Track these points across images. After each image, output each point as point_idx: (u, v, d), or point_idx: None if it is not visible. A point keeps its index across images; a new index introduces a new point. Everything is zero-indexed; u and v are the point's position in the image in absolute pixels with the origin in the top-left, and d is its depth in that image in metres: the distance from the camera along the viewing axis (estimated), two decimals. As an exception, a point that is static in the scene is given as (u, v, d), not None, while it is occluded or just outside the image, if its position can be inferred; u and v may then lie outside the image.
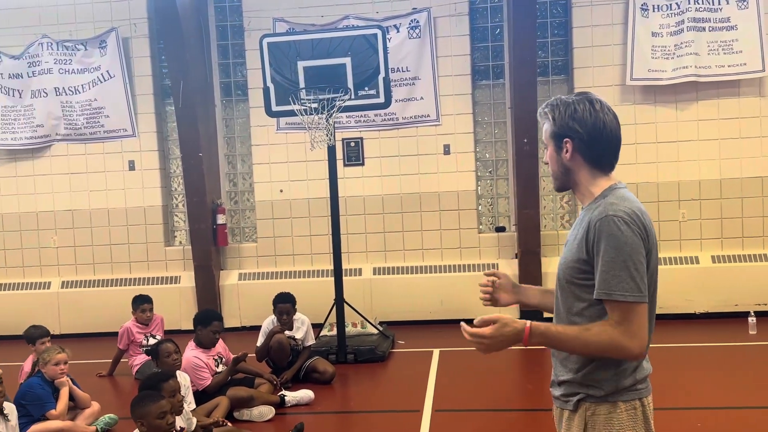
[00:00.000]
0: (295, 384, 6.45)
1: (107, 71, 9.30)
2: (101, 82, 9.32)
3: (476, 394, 6.13)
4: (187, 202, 9.21)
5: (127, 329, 7.26)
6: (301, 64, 7.16)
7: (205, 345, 5.92)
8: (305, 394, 6.05)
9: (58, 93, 9.35)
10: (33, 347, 6.10)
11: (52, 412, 5.18)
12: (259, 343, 6.64)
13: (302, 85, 7.10)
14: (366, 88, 7.17)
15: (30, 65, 9.35)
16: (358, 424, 5.76)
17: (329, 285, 7.70)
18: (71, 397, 5.45)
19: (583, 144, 2.27)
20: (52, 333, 9.13)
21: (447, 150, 9.17)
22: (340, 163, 9.10)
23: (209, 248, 9.18)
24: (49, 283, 9.56)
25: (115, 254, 9.56)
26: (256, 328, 6.98)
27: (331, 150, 7.24)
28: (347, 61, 7.13)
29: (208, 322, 5.91)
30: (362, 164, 9.24)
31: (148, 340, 7.27)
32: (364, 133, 9.23)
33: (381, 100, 7.22)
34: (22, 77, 9.38)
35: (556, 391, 2.36)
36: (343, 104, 6.95)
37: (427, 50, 9.02)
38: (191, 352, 5.80)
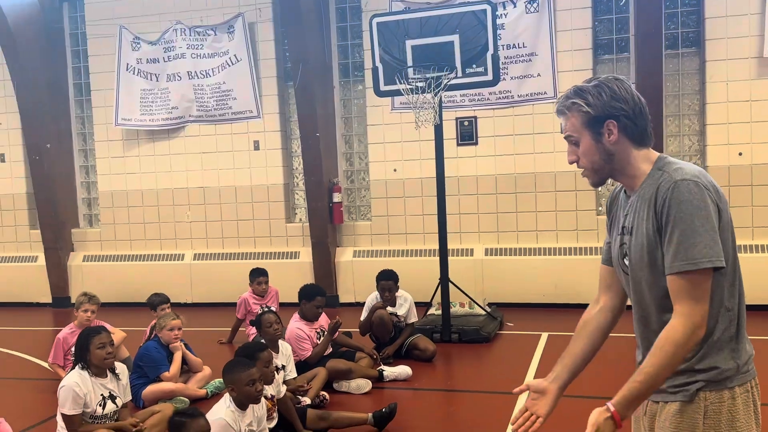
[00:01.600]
0: (396, 360, 6.55)
1: (234, 55, 9.78)
2: (229, 66, 9.82)
3: (579, 380, 5.93)
4: (306, 181, 9.55)
5: (245, 300, 7.67)
6: (409, 43, 7.16)
7: (309, 318, 6.14)
8: (403, 370, 6.14)
9: (190, 77, 9.96)
10: (154, 313, 6.60)
11: (165, 374, 5.61)
12: (362, 318, 6.80)
13: (410, 64, 7.11)
14: (474, 66, 7.06)
15: (165, 50, 10.01)
16: (453, 402, 5.77)
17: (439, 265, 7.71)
18: (184, 361, 5.87)
19: (630, 121, 2.17)
20: (184, 302, 10.02)
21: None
22: (453, 143, 9.07)
23: (326, 226, 9.47)
24: (183, 255, 10.27)
25: (242, 229, 10.09)
26: (371, 305, 7.13)
27: (438, 129, 7.21)
28: (455, 38, 7.05)
29: (312, 296, 6.12)
30: (476, 143, 9.14)
31: (263, 311, 7.63)
32: (478, 111, 9.11)
33: (489, 77, 7.09)
34: (158, 62, 10.07)
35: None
36: (449, 82, 6.89)
37: (546, 25, 8.72)
38: (295, 324, 6.04)
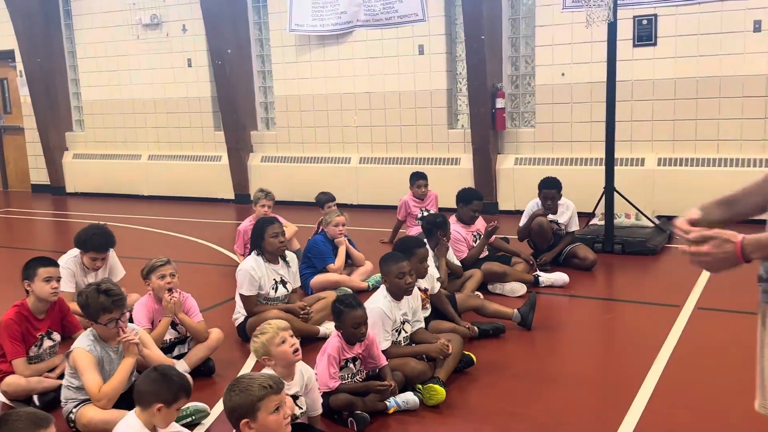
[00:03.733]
0: (553, 267, 6.51)
1: (401, -43, 9.67)
2: (396, -32, 9.74)
3: (749, 297, 5.60)
4: (468, 86, 9.44)
5: (405, 202, 7.90)
6: (584, -65, 6.69)
7: (465, 221, 6.23)
8: (560, 276, 6.11)
9: (358, -20, 10.02)
10: (322, 210, 7.00)
11: (331, 265, 5.99)
12: (521, 224, 6.78)
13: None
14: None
15: (335, -45, 10.10)
16: (609, 310, 5.69)
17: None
18: (348, 255, 6.23)
19: None
20: (350, 203, 10.49)
21: (758, 27, 7.97)
22: (628, 44, 8.51)
23: (487, 132, 9.38)
24: (350, 158, 10.67)
25: (405, 135, 10.26)
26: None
27: (612, 27, 6.78)
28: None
29: (468, 200, 6.19)
30: (654, 44, 8.49)
31: (423, 214, 7.84)
32: (659, 9, 8.41)
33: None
34: (329, -33, 10.20)
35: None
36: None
37: None
38: (453, 226, 6.15)
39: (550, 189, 6.55)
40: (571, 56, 8.96)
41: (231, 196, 11.56)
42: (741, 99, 8.18)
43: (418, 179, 7.88)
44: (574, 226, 6.79)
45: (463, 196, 6.26)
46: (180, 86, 11.76)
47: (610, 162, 7.12)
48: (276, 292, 4.97)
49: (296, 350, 3.28)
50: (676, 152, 8.62)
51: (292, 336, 3.32)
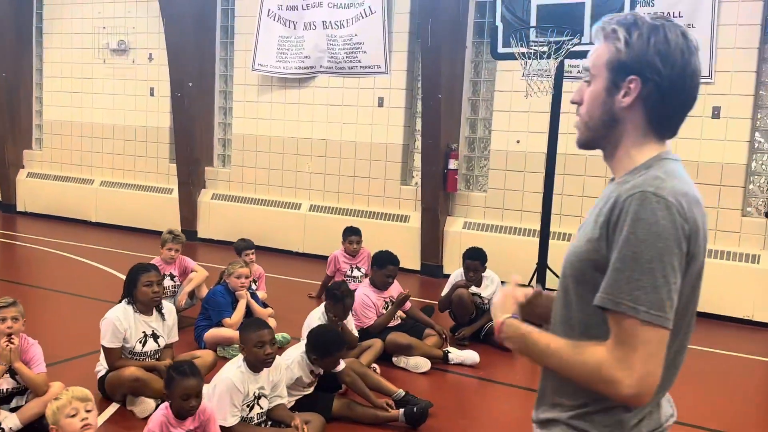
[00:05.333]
0: (473, 343, 6.12)
1: (369, 6, 9.52)
2: (362, 18, 9.58)
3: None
4: (422, 143, 9.17)
5: (335, 257, 7.54)
6: (534, 2, 6.51)
7: (378, 286, 5.86)
8: (470, 355, 5.72)
9: (325, 26, 9.85)
10: (239, 258, 6.63)
11: (227, 320, 5.60)
12: (443, 293, 6.41)
13: (533, 24, 6.46)
14: (604, 33, 6.25)
15: (304, -2, 9.96)
16: (520, 401, 5.26)
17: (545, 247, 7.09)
18: (250, 312, 5.84)
19: (658, 92, 1.59)
20: (297, 251, 10.14)
21: (716, 113, 7.74)
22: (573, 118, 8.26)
23: (438, 192, 9.08)
24: (300, 204, 10.35)
25: (357, 186, 9.96)
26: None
27: (555, 100, 6.54)
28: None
29: (383, 264, 5.84)
30: (611, 121, 8.25)
31: (353, 271, 7.49)
32: (619, 86, 8.19)
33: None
34: (297, 9, 10.04)
35: (536, 416, 1.77)
36: (572, 48, 6.17)
37: (709, -8, 7.59)
38: (363, 290, 5.79)
39: (474, 260, 6.21)
40: (527, 124, 8.72)
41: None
42: (695, 186, 7.89)
43: (350, 235, 7.54)
44: (499, 302, 6.40)
45: (378, 259, 5.91)
46: (140, 114, 11.52)
47: (545, 236, 6.81)
48: (144, 346, 4.57)
49: (86, 426, 2.87)
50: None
51: (89, 411, 2.92)
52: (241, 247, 6.81)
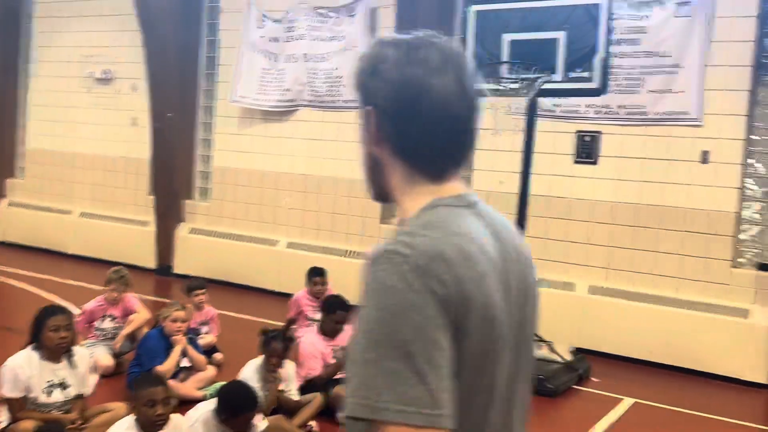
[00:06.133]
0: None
1: (350, 40, 9.27)
2: (344, 51, 9.33)
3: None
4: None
5: (297, 300, 7.13)
6: (506, 38, 6.18)
7: (327, 333, 5.44)
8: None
9: (306, 59, 9.60)
10: (187, 298, 6.25)
11: (159, 367, 5.19)
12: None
13: (504, 59, 6.14)
14: (578, 70, 5.93)
15: (287, 30, 9.72)
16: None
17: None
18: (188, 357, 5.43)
19: (390, 121, 1.28)
20: (272, 290, 9.74)
21: (705, 158, 7.33)
22: (568, 159, 7.91)
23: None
24: (278, 241, 9.98)
25: (336, 223, 9.60)
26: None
27: (528, 139, 6.18)
28: (560, 35, 5.96)
29: (332, 309, 5.42)
30: (595, 163, 7.87)
31: (316, 314, 7.06)
32: (604, 126, 7.82)
33: (594, 85, 5.92)
34: (279, 41, 9.81)
35: None
36: (542, 85, 5.83)
37: (698, 32, 7.24)
38: (310, 337, 5.38)
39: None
40: (511, 164, 8.33)
41: (153, 265, 10.84)
42: (681, 233, 7.46)
43: (315, 276, 7.13)
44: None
45: (327, 304, 5.51)
46: (121, 145, 11.28)
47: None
48: (50, 396, 4.17)
49: None
50: (610, 281, 7.84)
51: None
52: (193, 286, 6.44)
